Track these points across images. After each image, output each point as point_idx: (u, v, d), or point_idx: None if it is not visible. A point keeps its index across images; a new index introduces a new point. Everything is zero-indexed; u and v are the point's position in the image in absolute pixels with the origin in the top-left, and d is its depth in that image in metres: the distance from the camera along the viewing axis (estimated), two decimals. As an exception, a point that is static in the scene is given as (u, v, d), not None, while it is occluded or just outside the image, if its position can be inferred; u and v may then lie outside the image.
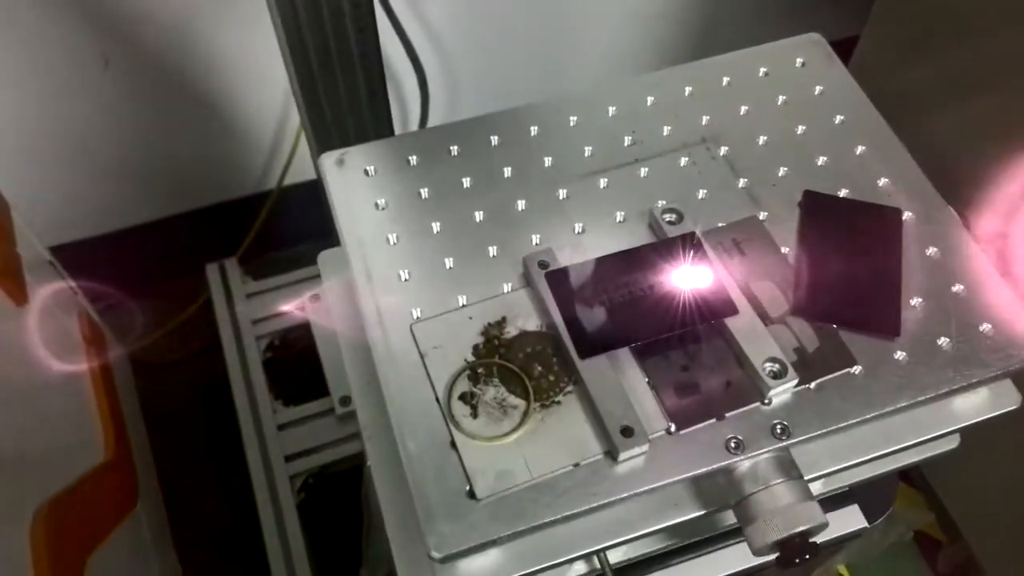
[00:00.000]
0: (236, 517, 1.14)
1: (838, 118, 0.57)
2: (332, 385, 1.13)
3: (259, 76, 1.19)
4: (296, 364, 1.21)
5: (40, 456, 0.85)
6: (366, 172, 0.55)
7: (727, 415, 0.46)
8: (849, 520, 0.63)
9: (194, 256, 1.33)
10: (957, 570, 1.23)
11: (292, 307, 1.25)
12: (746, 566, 0.61)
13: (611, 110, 0.58)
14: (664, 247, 0.50)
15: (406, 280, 0.51)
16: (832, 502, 0.62)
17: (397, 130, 1.15)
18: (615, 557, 0.56)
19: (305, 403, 1.16)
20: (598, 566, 0.53)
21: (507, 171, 0.55)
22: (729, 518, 0.49)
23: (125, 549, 0.98)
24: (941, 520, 1.23)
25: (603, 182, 0.55)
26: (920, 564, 1.23)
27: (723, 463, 0.45)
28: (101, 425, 1.02)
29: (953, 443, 0.56)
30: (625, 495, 0.44)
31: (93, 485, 0.93)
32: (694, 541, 0.59)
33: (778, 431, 0.45)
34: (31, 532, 0.75)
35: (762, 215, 0.53)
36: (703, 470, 0.44)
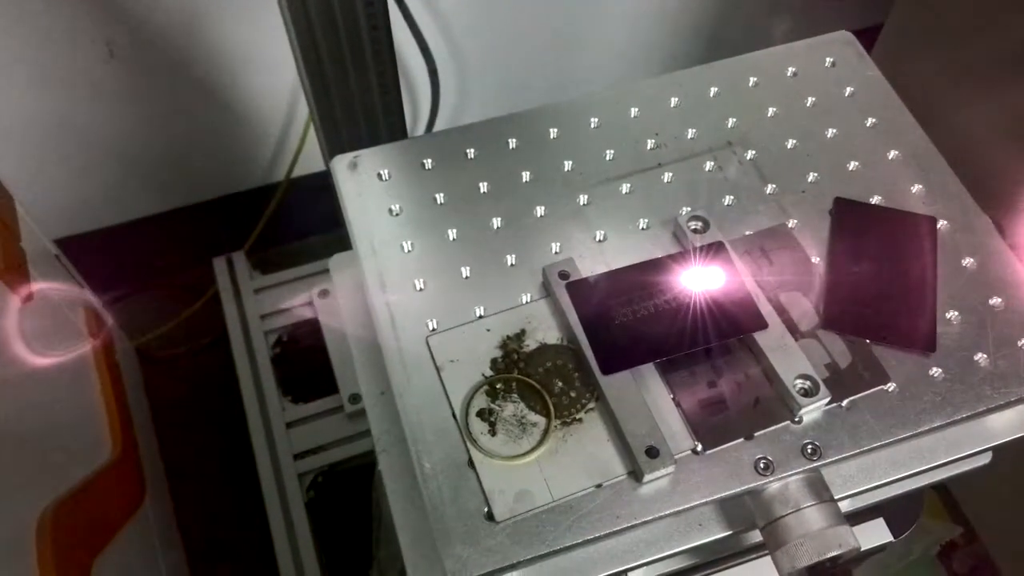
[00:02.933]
0: (244, 515, 1.13)
1: (870, 121, 0.55)
2: (341, 382, 1.11)
3: (267, 65, 1.17)
4: (305, 360, 1.20)
5: (45, 457, 0.84)
6: (380, 176, 0.53)
7: (756, 434, 0.44)
8: (874, 534, 0.61)
9: (201, 249, 1.31)
10: (972, 570, 1.21)
11: (300, 302, 1.24)
12: (769, 581, 0.59)
13: (633, 111, 0.56)
14: (690, 257, 0.48)
15: (421, 290, 0.49)
16: (857, 516, 0.60)
17: (407, 125, 1.13)
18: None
19: (314, 400, 1.14)
20: (618, 585, 0.51)
21: (525, 175, 0.53)
22: (755, 535, 0.47)
23: (132, 547, 0.97)
24: (957, 521, 1.21)
25: (625, 187, 0.53)
26: (936, 566, 1.21)
27: (752, 485, 0.43)
28: (108, 422, 1.01)
29: (985, 459, 0.54)
30: (650, 518, 0.42)
31: (100, 485, 0.91)
32: (718, 557, 0.58)
33: (809, 451, 0.44)
34: (37, 536, 0.74)
35: (791, 223, 0.51)
36: (731, 492, 0.43)
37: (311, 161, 1.29)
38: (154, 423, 1.24)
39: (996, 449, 0.51)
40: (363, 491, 1.02)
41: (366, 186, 0.53)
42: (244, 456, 1.11)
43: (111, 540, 0.90)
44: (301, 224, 1.36)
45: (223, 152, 1.29)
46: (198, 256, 1.32)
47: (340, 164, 0.54)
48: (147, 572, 0.99)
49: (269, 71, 1.18)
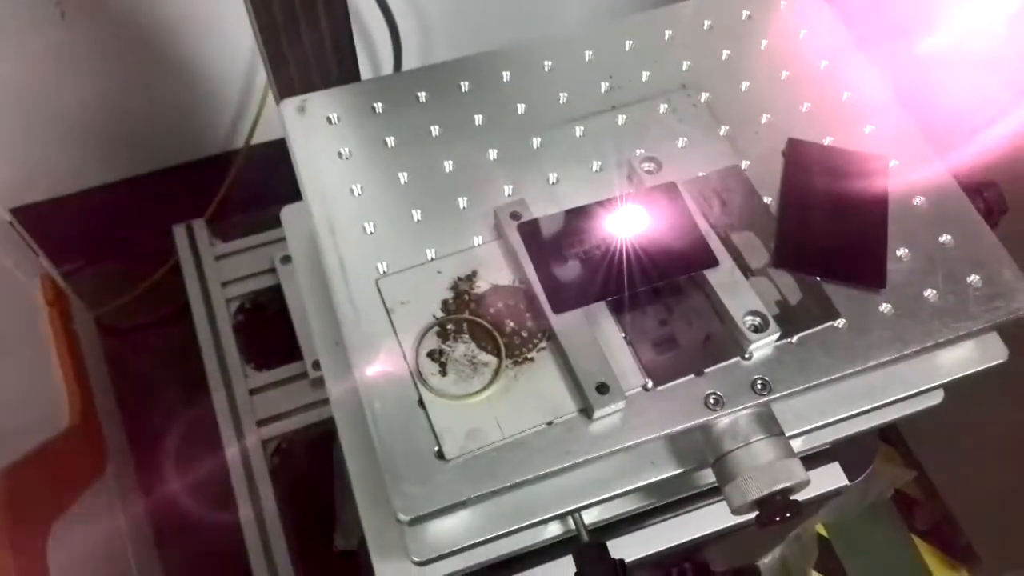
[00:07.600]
0: (209, 482, 1.12)
1: (823, 63, 0.55)
2: (305, 348, 1.11)
3: (225, 29, 1.14)
4: (268, 327, 1.19)
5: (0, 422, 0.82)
6: (329, 120, 0.52)
7: (706, 371, 0.44)
8: (830, 478, 0.62)
9: (161, 217, 1.29)
10: (933, 527, 1.24)
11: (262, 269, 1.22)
12: (724, 526, 0.60)
13: (587, 55, 0.55)
14: (642, 197, 0.48)
15: (371, 233, 0.48)
16: (813, 460, 0.61)
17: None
18: (590, 517, 0.54)
19: (277, 367, 1.13)
20: (573, 527, 0.51)
21: (478, 119, 0.53)
22: (708, 477, 0.48)
23: (94, 513, 0.96)
24: (918, 478, 1.23)
25: (579, 130, 0.52)
26: (897, 522, 1.24)
27: (702, 420, 0.43)
28: (66, 390, 0.99)
29: (937, 398, 0.54)
30: (600, 454, 0.42)
31: (58, 450, 0.90)
32: (672, 500, 0.58)
33: (759, 387, 0.44)
34: (-9, 499, 0.73)
35: (744, 164, 0.51)
36: (681, 427, 0.43)
37: (271, 128, 1.27)
38: (117, 392, 1.22)
39: (947, 388, 0.52)
40: (327, 457, 1.01)
41: (314, 130, 0.52)
42: (208, 423, 1.10)
43: (71, 505, 0.88)
44: (262, 191, 1.33)
45: (181, 119, 1.27)
46: (158, 225, 1.30)
47: (288, 108, 0.53)
48: (109, 538, 0.98)
49: (227, 35, 1.15)
